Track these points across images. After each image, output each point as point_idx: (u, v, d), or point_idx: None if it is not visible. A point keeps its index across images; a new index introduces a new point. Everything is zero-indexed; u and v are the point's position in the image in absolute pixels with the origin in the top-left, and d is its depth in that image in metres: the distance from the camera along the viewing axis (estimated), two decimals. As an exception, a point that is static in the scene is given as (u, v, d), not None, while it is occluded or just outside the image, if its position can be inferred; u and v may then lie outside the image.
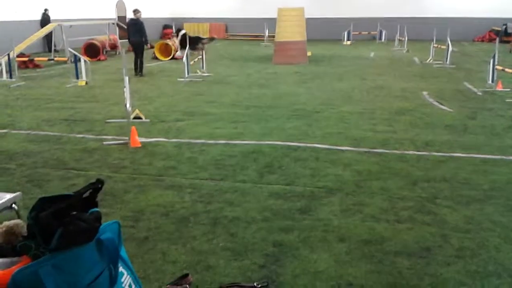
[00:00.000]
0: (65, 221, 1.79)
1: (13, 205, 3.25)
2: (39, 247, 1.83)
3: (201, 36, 19.09)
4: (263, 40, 26.84)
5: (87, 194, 1.94)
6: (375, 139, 6.71)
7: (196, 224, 4.07)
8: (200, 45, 16.22)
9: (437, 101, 9.48)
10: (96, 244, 1.92)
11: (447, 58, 15.30)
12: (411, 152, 6.09)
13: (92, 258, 1.90)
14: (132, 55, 13.75)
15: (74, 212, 1.85)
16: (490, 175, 5.21)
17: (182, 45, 15.92)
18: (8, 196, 3.25)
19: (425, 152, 6.09)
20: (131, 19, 13.97)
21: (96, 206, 1.97)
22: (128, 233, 3.81)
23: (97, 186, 1.95)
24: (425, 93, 10.44)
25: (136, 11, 13.76)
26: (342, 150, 6.18)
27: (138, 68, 13.58)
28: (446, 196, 4.65)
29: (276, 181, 5.08)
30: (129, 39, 13.82)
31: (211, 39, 19.50)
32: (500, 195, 4.66)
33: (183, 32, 17.21)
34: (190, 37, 15.55)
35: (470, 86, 11.25)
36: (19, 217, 3.33)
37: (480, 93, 10.29)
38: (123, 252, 2.14)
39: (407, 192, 4.74)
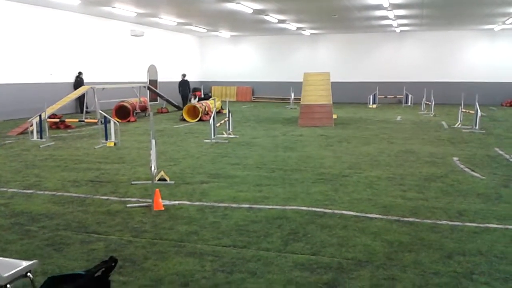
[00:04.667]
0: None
1: (28, 274, 3.14)
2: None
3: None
4: (289, 102, 27.17)
5: (99, 273, 1.82)
6: (405, 207, 6.46)
7: (216, 296, 3.86)
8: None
9: (468, 168, 9.20)
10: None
11: (476, 123, 15.06)
12: (443, 222, 5.80)
13: None
14: (159, 117, 14.01)
15: (84, 294, 1.73)
16: (530, 249, 4.88)
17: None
18: (24, 264, 3.14)
19: (458, 222, 5.80)
20: (182, 80, 23.67)
21: (109, 286, 1.84)
22: (145, 305, 3.63)
23: (110, 264, 1.83)
24: (455, 158, 10.18)
25: (184, 75, 23.95)
26: (371, 218, 5.94)
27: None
28: (483, 271, 4.34)
29: (301, 250, 4.86)
30: (180, 91, 23.63)
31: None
32: (543, 272, 4.33)
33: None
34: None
35: (501, 152, 10.94)
36: (33, 286, 3.21)
37: (513, 160, 9.98)
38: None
39: (441, 266, 4.45)
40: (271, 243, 5.07)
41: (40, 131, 12.91)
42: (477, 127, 14.95)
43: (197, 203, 6.67)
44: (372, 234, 5.35)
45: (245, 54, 32.93)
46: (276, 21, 23.74)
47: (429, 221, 5.84)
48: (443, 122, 17.74)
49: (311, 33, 30.31)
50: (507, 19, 22.91)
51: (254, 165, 9.45)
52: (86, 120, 15.80)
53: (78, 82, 21.13)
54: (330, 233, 5.40)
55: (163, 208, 6.35)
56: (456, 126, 16.27)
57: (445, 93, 26.88)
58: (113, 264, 1.84)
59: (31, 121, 13.24)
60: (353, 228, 5.57)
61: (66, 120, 16.06)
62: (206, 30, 29.09)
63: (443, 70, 28.85)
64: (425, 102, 23.78)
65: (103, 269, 1.83)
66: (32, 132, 13.03)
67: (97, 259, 4.63)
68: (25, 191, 7.40)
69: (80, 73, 21.54)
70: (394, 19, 22.99)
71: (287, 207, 6.41)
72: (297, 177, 8.31)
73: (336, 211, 6.22)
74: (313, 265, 4.48)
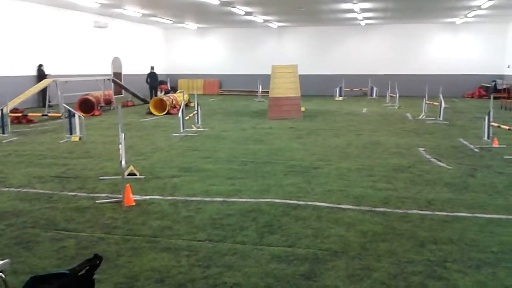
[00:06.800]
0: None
1: (0, 273, 3.01)
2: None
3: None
4: (257, 95, 27.15)
5: (83, 271, 1.75)
6: (376, 197, 6.55)
7: (194, 291, 3.82)
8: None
9: (434, 158, 9.42)
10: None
11: (440, 114, 15.44)
12: (414, 211, 5.92)
13: None
14: (125, 111, 13.77)
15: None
16: (498, 236, 5.04)
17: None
18: (-5, 263, 3.01)
19: (429, 211, 5.93)
20: (151, 72, 23.89)
21: (93, 285, 1.78)
22: (121, 302, 3.55)
23: (94, 263, 1.76)
24: (421, 149, 10.40)
25: (152, 67, 24.48)
26: (344, 209, 6.01)
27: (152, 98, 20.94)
28: (455, 259, 4.45)
29: (277, 243, 4.87)
30: (149, 83, 23.65)
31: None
32: (511, 258, 4.47)
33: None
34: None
35: (465, 143, 11.25)
36: (6, 286, 3.09)
37: (477, 150, 10.27)
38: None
39: (415, 255, 4.54)
40: (246, 236, 5.05)
41: (2, 126, 12.47)
42: (441, 118, 15.33)
43: (169, 197, 6.58)
44: (346, 224, 5.41)
45: (212, 47, 32.68)
46: (243, 13, 23.63)
47: (400, 210, 5.95)
48: (408, 114, 18.11)
49: (278, 26, 30.34)
50: (468, 13, 23.54)
51: (225, 158, 9.40)
52: (49, 114, 15.36)
53: (41, 75, 20.50)
54: (304, 224, 5.42)
55: (134, 204, 6.23)
56: (420, 117, 16.64)
57: (409, 86, 27.41)
58: (97, 262, 1.78)
59: (-8, 116, 12.76)
60: (327, 219, 5.62)
61: (29, 114, 15.59)
62: (172, 22, 28.69)
63: (407, 63, 29.43)
64: (389, 94, 24.22)
65: (87, 267, 1.76)
66: (-8, 127, 12.56)
67: (68, 257, 4.51)
68: (-12, 188, 7.13)
69: (40, 65, 20.90)
70: (359, 12, 23.26)
71: (260, 200, 6.40)
72: (268, 170, 8.32)
73: (309, 203, 6.26)
74: (290, 257, 4.49)
